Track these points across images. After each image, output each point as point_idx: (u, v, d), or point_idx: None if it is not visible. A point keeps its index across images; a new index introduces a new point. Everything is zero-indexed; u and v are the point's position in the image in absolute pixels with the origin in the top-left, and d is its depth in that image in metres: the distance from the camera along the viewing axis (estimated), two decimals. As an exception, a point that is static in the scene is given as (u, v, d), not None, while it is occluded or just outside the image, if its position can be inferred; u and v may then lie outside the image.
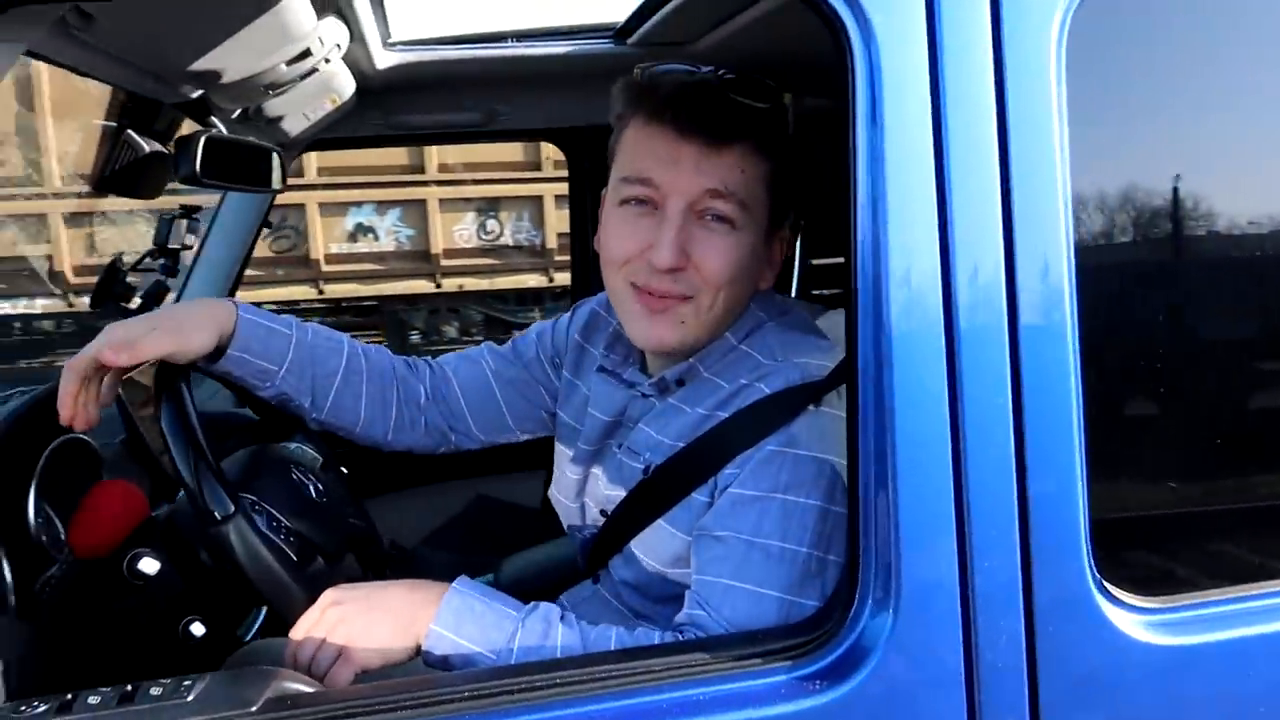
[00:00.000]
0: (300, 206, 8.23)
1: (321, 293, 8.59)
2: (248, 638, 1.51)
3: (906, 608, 1.00)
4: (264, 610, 1.55)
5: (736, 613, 1.13)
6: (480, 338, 8.36)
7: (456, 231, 8.75)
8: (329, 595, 1.17)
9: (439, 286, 8.85)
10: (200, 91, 1.57)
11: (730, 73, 1.23)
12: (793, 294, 2.66)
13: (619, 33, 2.32)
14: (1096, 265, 1.03)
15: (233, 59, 1.39)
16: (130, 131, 1.54)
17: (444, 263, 8.75)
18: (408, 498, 2.51)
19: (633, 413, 1.37)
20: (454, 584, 1.18)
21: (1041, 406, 0.99)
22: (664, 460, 1.27)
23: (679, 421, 1.28)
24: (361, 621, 1.14)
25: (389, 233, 8.68)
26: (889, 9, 0.95)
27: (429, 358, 1.61)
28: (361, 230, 8.61)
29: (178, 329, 1.28)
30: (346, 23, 1.69)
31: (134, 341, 1.25)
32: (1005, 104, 0.97)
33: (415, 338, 8.94)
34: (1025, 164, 0.98)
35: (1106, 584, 1.03)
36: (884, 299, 0.97)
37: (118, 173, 1.56)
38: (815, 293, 2.67)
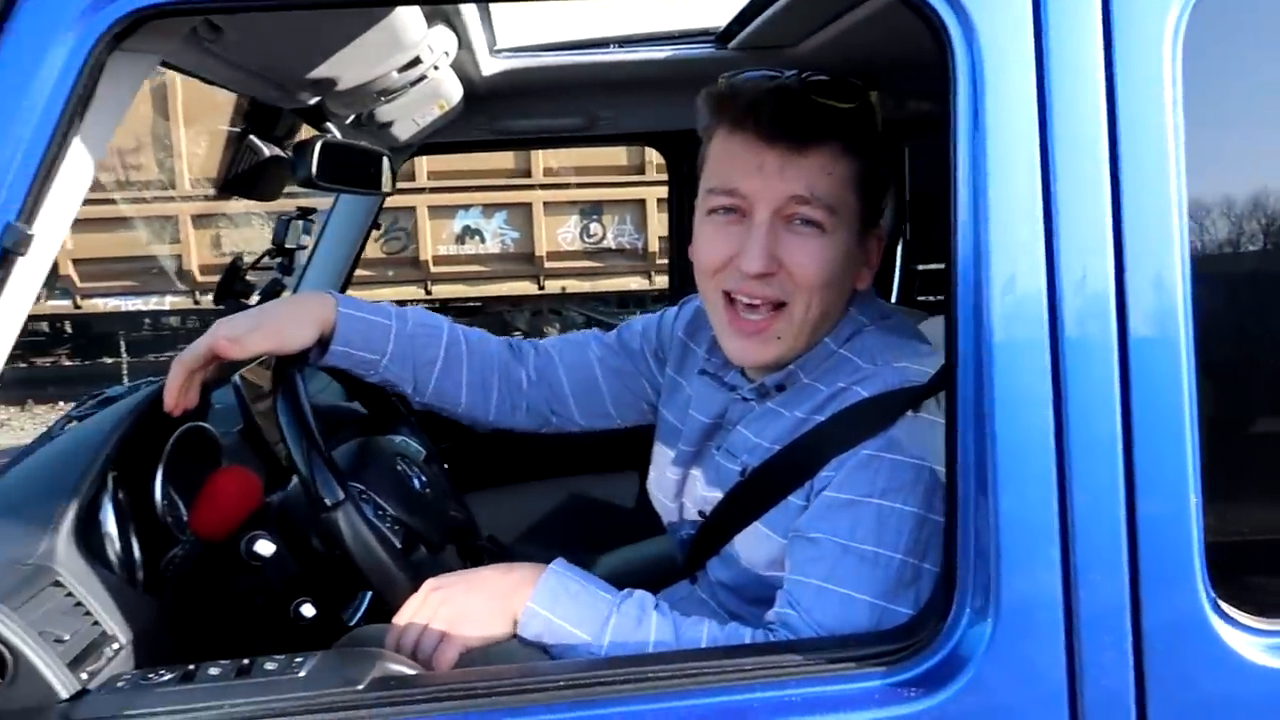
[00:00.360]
0: (411, 209, 8.49)
1: (429, 293, 8.84)
2: (352, 622, 1.57)
3: (1006, 619, 0.97)
4: (368, 596, 1.60)
5: (827, 615, 1.12)
6: (581, 339, 8.46)
7: (560, 234, 8.89)
8: (430, 583, 1.21)
9: (542, 288, 9.02)
10: (317, 98, 1.65)
11: (816, 74, 1.22)
12: (891, 300, 2.62)
13: (720, 37, 2.32)
14: (1213, 274, 0.99)
15: (348, 67, 1.45)
16: (252, 136, 1.63)
17: (547, 265, 8.91)
18: (505, 494, 2.57)
19: (732, 415, 1.37)
20: (551, 565, 1.20)
21: (1153, 420, 0.96)
22: (761, 463, 1.27)
23: (776, 425, 1.28)
24: (462, 603, 1.18)
25: (495, 235, 8.88)
26: (992, 8, 0.94)
27: (535, 339, 1.65)
28: (469, 232, 8.84)
29: (279, 327, 1.36)
30: (455, 31, 1.74)
31: (239, 338, 1.34)
32: (1115, 106, 0.94)
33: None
34: (1137, 168, 0.94)
35: (1223, 605, 0.99)
36: (985, 305, 0.95)
37: (240, 176, 1.65)
38: (920, 299, 2.62)
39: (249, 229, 8.51)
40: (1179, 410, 0.96)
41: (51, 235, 0.91)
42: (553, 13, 2.32)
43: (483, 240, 8.89)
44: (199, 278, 8.50)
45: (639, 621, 1.15)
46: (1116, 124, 0.94)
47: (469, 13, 1.73)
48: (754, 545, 1.27)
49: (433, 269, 8.79)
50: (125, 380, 8.37)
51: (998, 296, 0.95)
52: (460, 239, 8.86)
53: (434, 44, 1.65)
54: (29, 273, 0.91)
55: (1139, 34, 0.94)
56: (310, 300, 1.45)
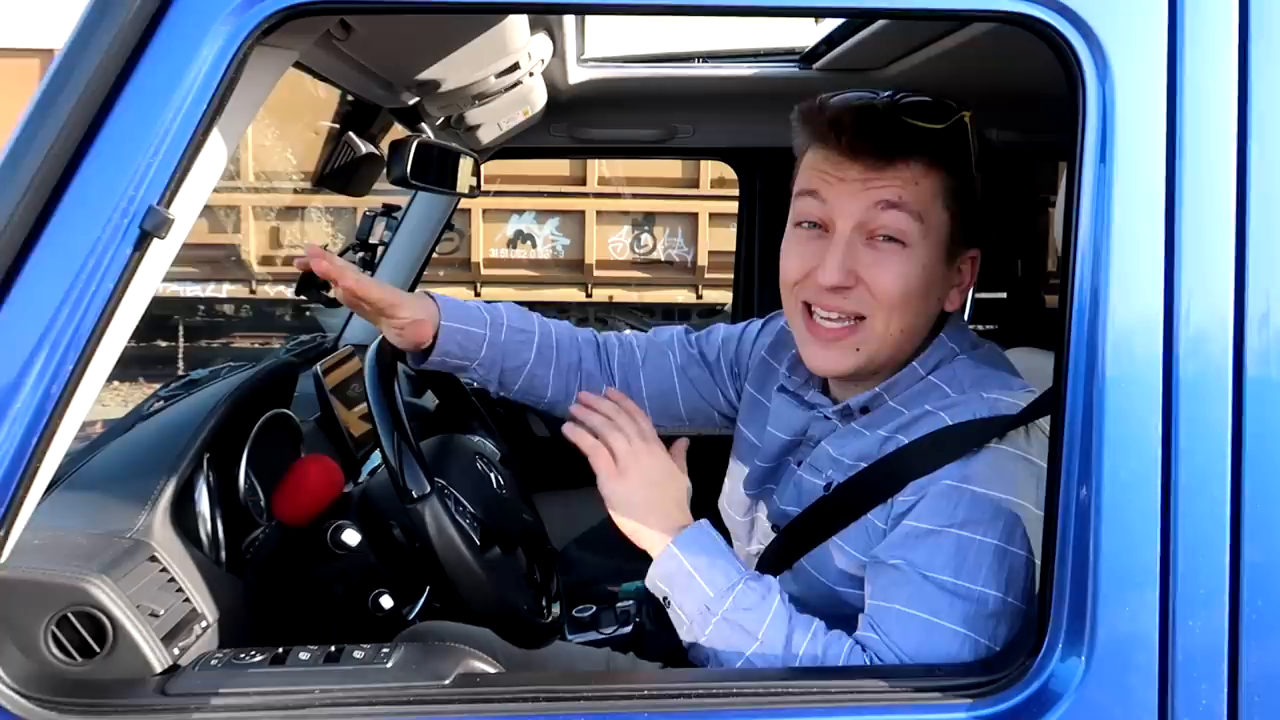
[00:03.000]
0: (465, 211, 8.58)
1: (478, 295, 8.91)
2: (410, 617, 1.58)
3: (1100, 657, 0.96)
4: (426, 591, 1.62)
5: (908, 639, 1.11)
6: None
7: (611, 243, 8.94)
8: (633, 456, 1.24)
9: (589, 296, 9.06)
10: (417, 99, 1.67)
11: (910, 95, 1.23)
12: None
13: (805, 57, 2.33)
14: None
15: (456, 69, 1.48)
16: (351, 134, 1.66)
17: (596, 273, 8.95)
18: (559, 499, 2.57)
19: (814, 432, 1.37)
20: (698, 521, 1.24)
21: (1265, 465, 0.94)
22: (845, 479, 1.27)
23: (859, 443, 1.28)
24: (629, 495, 1.22)
25: (546, 241, 8.95)
26: (1127, 41, 0.93)
27: (624, 334, 1.66)
28: (521, 237, 8.92)
29: (396, 298, 1.40)
30: (552, 39, 1.77)
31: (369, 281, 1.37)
32: (1246, 148, 0.93)
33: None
34: (1265, 210, 0.93)
35: (1324, 656, 0.97)
36: (1099, 341, 0.95)
37: (336, 171, 1.68)
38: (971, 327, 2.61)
39: (307, 222, 8.64)
40: (1292, 456, 0.95)
41: (185, 221, 0.94)
42: (643, 24, 2.34)
43: (534, 245, 8.97)
44: (256, 268, 8.65)
45: (762, 598, 1.17)
46: (1247, 162, 0.93)
47: (567, 21, 1.76)
48: (826, 558, 1.26)
49: (483, 271, 8.87)
50: (180, 363, 8.54)
51: (1113, 333, 0.95)
52: (512, 243, 8.95)
53: (533, 50, 1.67)
54: (161, 256, 0.93)
55: (1275, 71, 0.93)
56: (417, 302, 1.44)
